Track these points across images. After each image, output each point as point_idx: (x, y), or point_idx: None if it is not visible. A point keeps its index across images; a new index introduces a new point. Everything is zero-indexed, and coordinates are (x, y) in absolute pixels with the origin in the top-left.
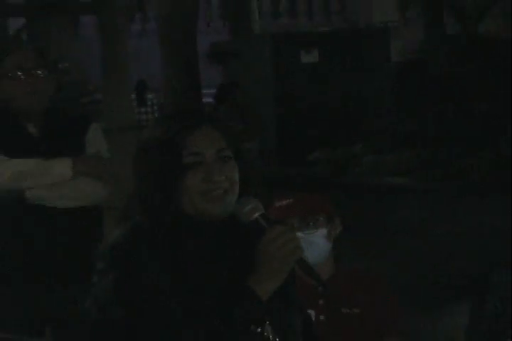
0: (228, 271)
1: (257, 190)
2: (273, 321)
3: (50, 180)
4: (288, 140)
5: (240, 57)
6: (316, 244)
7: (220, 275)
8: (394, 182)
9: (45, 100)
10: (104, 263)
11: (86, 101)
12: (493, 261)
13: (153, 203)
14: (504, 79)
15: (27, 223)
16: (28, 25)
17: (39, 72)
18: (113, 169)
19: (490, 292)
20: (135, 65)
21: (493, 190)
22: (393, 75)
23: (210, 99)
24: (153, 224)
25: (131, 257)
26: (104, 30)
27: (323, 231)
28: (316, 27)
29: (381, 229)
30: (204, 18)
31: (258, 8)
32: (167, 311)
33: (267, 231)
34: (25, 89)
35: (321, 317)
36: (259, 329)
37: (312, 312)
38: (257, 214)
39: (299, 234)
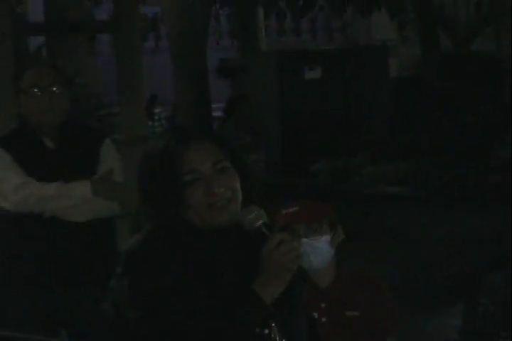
0: (234, 275)
1: (261, 199)
2: (279, 323)
3: (71, 203)
4: (292, 151)
5: (247, 72)
6: (320, 249)
7: (226, 280)
8: (392, 191)
9: (61, 115)
10: (120, 268)
11: (103, 113)
12: (485, 264)
13: (162, 215)
14: (494, 94)
15: (44, 230)
16: (47, 43)
17: (54, 88)
18: (127, 190)
19: (482, 294)
20: (148, 80)
21: (485, 199)
22: (391, 90)
23: (219, 113)
24: (163, 233)
25: (145, 263)
26: (119, 47)
27: (327, 238)
28: (319, 45)
29: (380, 235)
30: (214, 35)
31: (264, 26)
32: (178, 313)
33: (269, 238)
34: (42, 105)
35: (323, 320)
36: (266, 331)
37: (314, 315)
38: (260, 222)
39: (305, 239)
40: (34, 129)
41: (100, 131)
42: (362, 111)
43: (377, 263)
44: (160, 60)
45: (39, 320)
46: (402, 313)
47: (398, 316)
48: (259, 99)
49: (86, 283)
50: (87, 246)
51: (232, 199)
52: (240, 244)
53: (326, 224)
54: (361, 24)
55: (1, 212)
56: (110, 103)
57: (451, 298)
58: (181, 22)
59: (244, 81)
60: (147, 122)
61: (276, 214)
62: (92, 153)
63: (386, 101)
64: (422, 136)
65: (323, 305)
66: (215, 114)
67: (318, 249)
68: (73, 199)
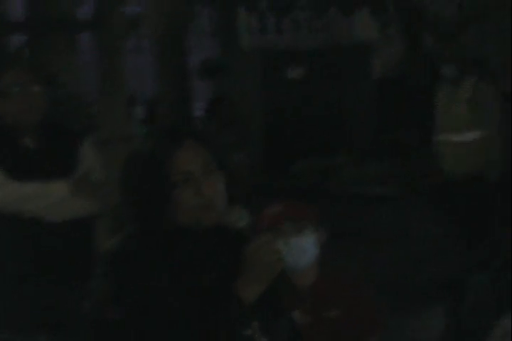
0: (217, 275)
1: (244, 200)
2: (261, 323)
3: (49, 203)
4: (275, 151)
5: (229, 72)
6: (304, 249)
7: (210, 280)
8: (375, 191)
9: (40, 114)
10: (102, 268)
11: (84, 112)
12: (469, 265)
13: (145, 214)
14: None
15: (27, 230)
16: (28, 42)
17: (34, 88)
18: (106, 188)
19: (466, 294)
20: (130, 80)
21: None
22: (374, 90)
23: (200, 113)
24: (147, 233)
25: (128, 263)
26: (100, 46)
27: (311, 238)
28: (300, 44)
29: (364, 236)
30: (196, 34)
31: (246, 25)
32: (160, 313)
33: (252, 239)
34: (21, 105)
35: (305, 320)
36: (248, 331)
37: (296, 315)
38: (243, 223)
39: (288, 240)
40: (12, 129)
41: (80, 131)
42: (344, 111)
43: (363, 262)
44: (142, 59)
45: (22, 322)
46: (388, 313)
47: (382, 316)
48: (241, 98)
49: (70, 283)
50: (70, 245)
51: (218, 200)
52: (224, 245)
53: (310, 225)
54: (343, 23)
55: None
56: (91, 102)
57: (436, 298)
58: (162, 21)
59: (225, 80)
60: (129, 122)
61: (260, 215)
62: (71, 152)
63: (369, 101)
64: (404, 135)
65: (305, 304)
66: (196, 113)
67: (302, 249)
68: (50, 199)
